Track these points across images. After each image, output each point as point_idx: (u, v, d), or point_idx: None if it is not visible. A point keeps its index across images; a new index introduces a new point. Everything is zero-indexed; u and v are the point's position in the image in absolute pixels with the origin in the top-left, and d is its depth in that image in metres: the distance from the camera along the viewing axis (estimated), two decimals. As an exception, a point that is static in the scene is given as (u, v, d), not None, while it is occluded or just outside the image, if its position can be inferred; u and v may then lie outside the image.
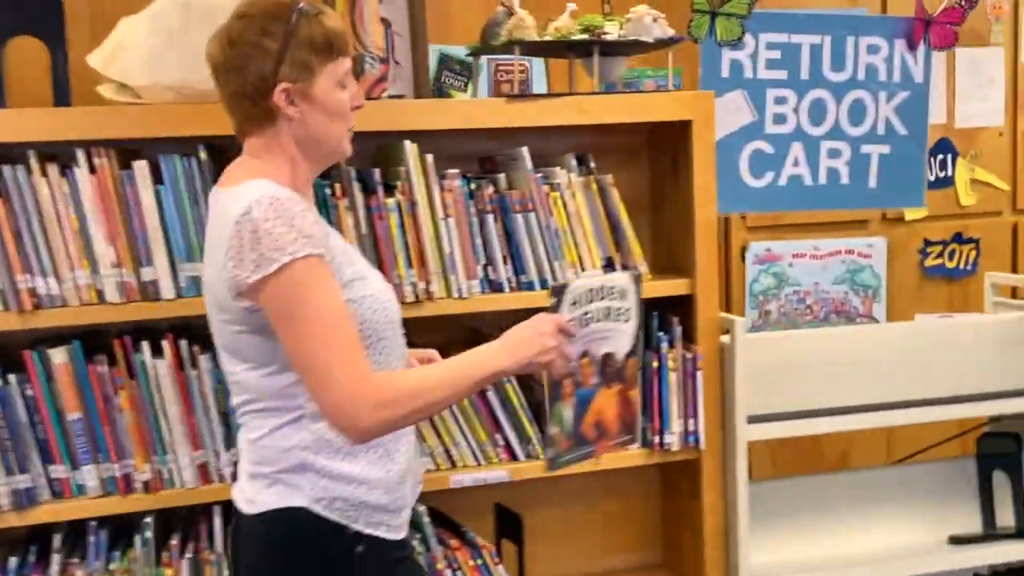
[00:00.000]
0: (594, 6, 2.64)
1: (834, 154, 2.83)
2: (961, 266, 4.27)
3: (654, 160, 2.74)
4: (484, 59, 3.10)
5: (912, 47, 2.83)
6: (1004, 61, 4.24)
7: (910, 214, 4.18)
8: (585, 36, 2.38)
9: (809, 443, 3.89)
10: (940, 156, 4.22)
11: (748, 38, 2.71)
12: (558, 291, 1.74)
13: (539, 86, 3.38)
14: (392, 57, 2.51)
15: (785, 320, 4.30)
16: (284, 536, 1.67)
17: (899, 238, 4.19)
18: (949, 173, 4.23)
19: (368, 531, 1.70)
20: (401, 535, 1.78)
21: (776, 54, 2.75)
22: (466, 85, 3.32)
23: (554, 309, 1.73)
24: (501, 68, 3.17)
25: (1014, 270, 4.35)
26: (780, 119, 2.78)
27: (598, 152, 2.60)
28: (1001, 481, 2.80)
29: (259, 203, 1.58)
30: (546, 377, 1.76)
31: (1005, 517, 2.80)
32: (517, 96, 2.35)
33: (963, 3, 2.80)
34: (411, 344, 1.93)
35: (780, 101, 2.77)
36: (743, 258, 4.11)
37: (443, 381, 1.64)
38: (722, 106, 2.71)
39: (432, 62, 3.14)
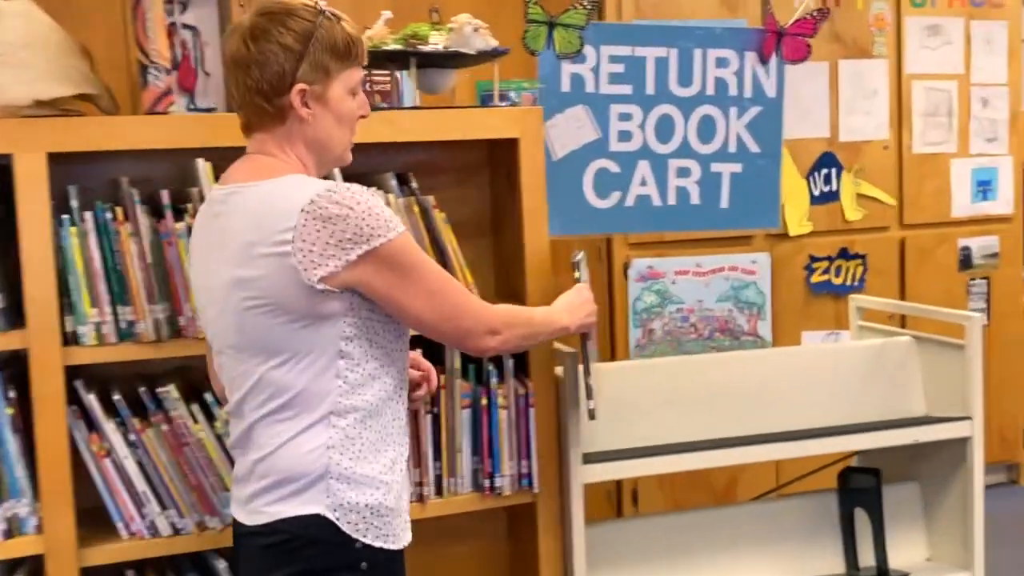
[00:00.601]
0: (422, 14, 2.47)
1: (683, 173, 2.69)
2: (848, 282, 4.18)
3: (494, 179, 2.58)
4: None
5: (764, 60, 2.70)
6: (888, 73, 4.16)
7: (795, 229, 4.08)
8: (398, 47, 2.21)
9: (696, 471, 3.75)
10: (824, 170, 4.12)
11: (589, 50, 2.56)
12: (577, 264, 2.18)
13: (410, 100, 3.20)
14: (200, 68, 2.32)
15: (669, 339, 4.16)
16: (296, 542, 1.68)
17: (784, 254, 4.09)
18: (834, 188, 4.14)
19: (378, 543, 1.72)
20: (405, 541, 1.80)
21: (619, 68, 2.61)
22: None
23: (578, 279, 2.15)
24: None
25: (902, 286, 4.27)
26: (625, 136, 2.64)
27: (437, 170, 2.44)
28: (864, 518, 2.67)
29: (335, 190, 1.63)
30: (580, 339, 2.18)
31: (868, 556, 2.67)
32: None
33: (815, 14, 2.67)
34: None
35: (625, 117, 2.63)
36: (626, 275, 3.99)
37: (536, 320, 1.93)
38: (563, 122, 2.56)
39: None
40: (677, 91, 2.65)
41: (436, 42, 2.28)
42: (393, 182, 2.31)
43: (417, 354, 2.06)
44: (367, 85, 3.23)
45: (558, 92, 2.56)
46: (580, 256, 2.21)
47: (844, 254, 4.16)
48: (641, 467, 2.43)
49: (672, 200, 2.70)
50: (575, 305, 2.03)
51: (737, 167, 2.73)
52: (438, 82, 2.36)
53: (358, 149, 1.85)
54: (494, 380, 2.34)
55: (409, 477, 1.94)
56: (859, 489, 2.61)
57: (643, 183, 2.67)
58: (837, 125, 4.11)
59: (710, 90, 2.67)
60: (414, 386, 2.03)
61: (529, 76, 3.47)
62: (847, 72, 4.10)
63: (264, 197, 1.66)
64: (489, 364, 2.36)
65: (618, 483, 3.90)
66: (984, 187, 4.33)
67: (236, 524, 1.78)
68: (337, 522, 1.68)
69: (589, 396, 2.17)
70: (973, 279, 4.33)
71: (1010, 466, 4.53)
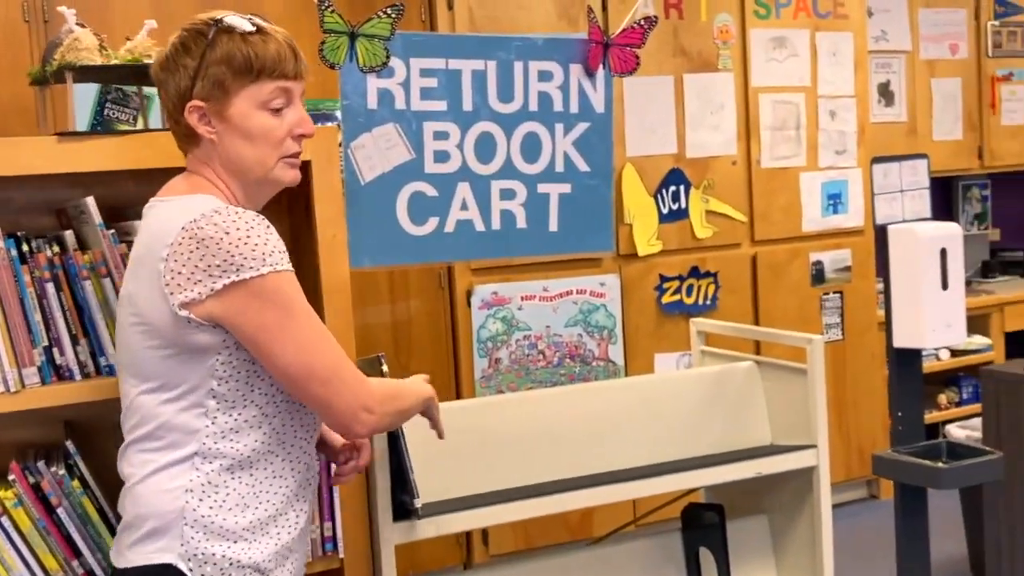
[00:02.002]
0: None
1: (508, 195, 2.49)
2: (700, 301, 4.06)
3: (293, 209, 2.32)
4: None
5: (590, 73, 2.52)
6: (734, 86, 4.07)
7: (644, 249, 3.94)
8: (142, 61, 1.94)
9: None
10: (673, 188, 4.00)
11: (397, 63, 2.33)
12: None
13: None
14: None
15: (517, 368, 3.97)
16: None
17: (634, 275, 3.94)
18: (683, 205, 4.02)
19: None
20: None
21: (432, 82, 2.38)
22: (134, 118, 2.84)
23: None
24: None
25: (755, 303, 4.17)
26: (442, 157, 2.41)
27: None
28: (710, 556, 2.51)
29: (221, 212, 1.55)
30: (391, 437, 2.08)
31: (715, 596, 2.51)
32: (68, 134, 1.89)
33: (643, 23, 2.51)
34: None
35: (441, 136, 2.41)
36: (469, 303, 3.78)
37: (404, 392, 1.79)
38: (371, 143, 2.33)
39: (93, 91, 2.67)
40: (497, 107, 2.44)
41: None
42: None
43: None
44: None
45: (364, 109, 2.32)
46: None
47: (695, 273, 4.04)
48: (461, 521, 2.20)
49: (497, 225, 2.48)
50: (419, 381, 1.87)
51: (566, 187, 2.53)
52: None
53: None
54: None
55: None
56: (703, 527, 2.44)
57: (464, 207, 2.45)
58: (684, 141, 3.99)
59: (533, 105, 2.47)
60: (342, 458, 1.89)
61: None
62: (693, 86, 3.99)
63: (164, 214, 1.61)
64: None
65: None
66: (834, 200, 4.27)
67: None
68: (190, 573, 1.56)
69: (414, 495, 2.03)
70: (827, 293, 4.27)
71: (870, 481, 4.48)
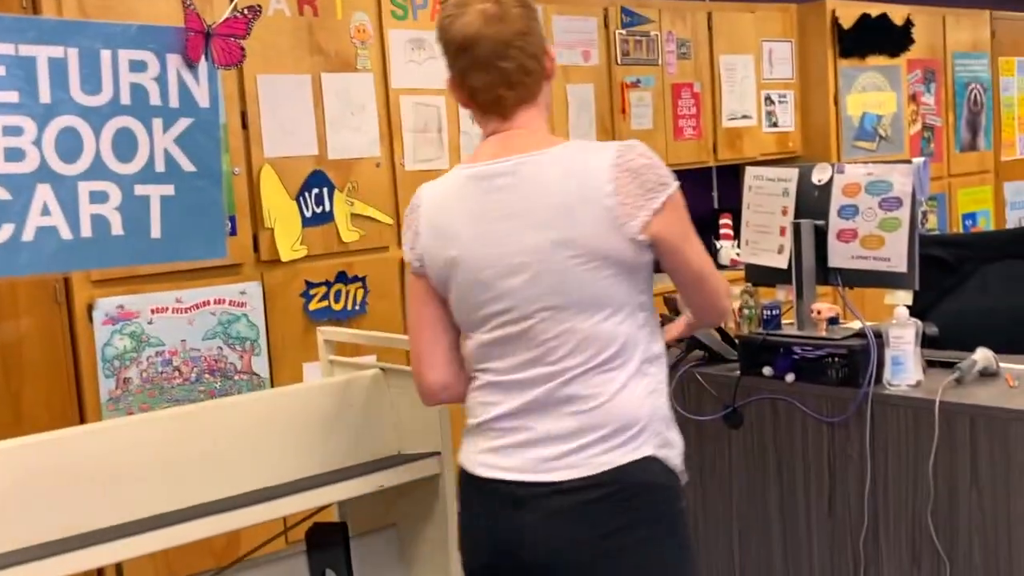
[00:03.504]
0: None
1: (100, 198, 2.25)
2: (349, 307, 3.95)
3: None
4: None
5: (191, 65, 2.33)
6: (375, 87, 4.00)
7: (287, 255, 3.77)
8: None
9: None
10: (316, 190, 3.86)
11: (-47, 48, 2.03)
12: None
13: None
14: None
15: (150, 387, 3.67)
16: (633, 488, 1.73)
17: (277, 282, 3.77)
18: (327, 208, 3.89)
19: (684, 480, 1.83)
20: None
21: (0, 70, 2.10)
22: None
23: None
24: None
25: (404, 307, 4.12)
26: (16, 155, 2.14)
27: None
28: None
29: (630, 146, 1.75)
30: None
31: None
32: None
33: (246, 12, 2.35)
34: None
35: (14, 131, 2.13)
36: (90, 318, 3.44)
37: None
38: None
39: None
40: (82, 99, 2.20)
41: None
42: None
43: None
44: None
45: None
46: None
47: (343, 278, 3.93)
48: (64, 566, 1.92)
49: (87, 232, 2.24)
50: None
51: (168, 189, 2.33)
52: None
53: None
54: None
55: None
56: (326, 547, 2.32)
57: (45, 212, 2.18)
58: (325, 142, 3.86)
59: (125, 99, 2.25)
60: None
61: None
62: (332, 86, 3.87)
63: (566, 161, 1.74)
64: None
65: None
66: (479, 203, 4.32)
67: (520, 486, 1.74)
68: (666, 461, 1.78)
69: None
70: (475, 295, 4.30)
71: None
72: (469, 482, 1.81)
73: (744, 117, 5.50)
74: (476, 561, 1.82)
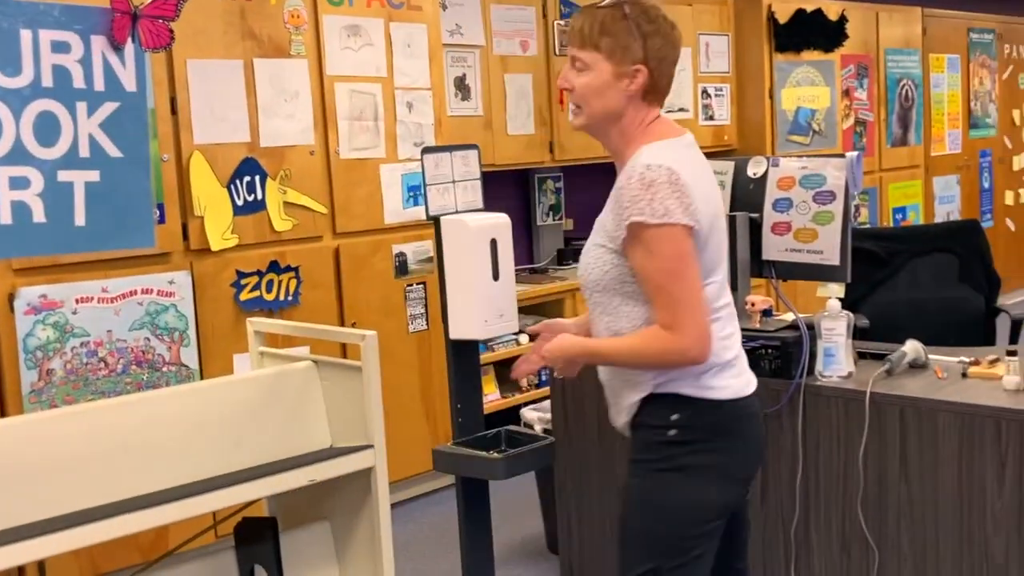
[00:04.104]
0: None
1: (20, 184, 2.17)
2: (281, 297, 3.88)
3: None
4: None
5: (117, 47, 2.26)
6: (309, 74, 3.93)
7: (217, 243, 3.69)
8: None
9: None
10: (247, 178, 3.79)
11: None
12: None
13: None
14: None
15: (74, 379, 3.56)
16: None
17: (207, 271, 3.69)
18: (260, 196, 3.82)
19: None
20: None
21: (-88, 49, 2.02)
22: None
23: None
24: None
25: (339, 297, 4.07)
26: (-71, 138, 2.06)
27: None
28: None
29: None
30: None
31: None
32: None
33: (175, -5, 2.29)
34: None
35: (-74, 113, 2.04)
36: (11, 307, 3.33)
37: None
38: None
39: None
40: (1, 81, 2.12)
41: None
42: None
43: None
44: None
45: None
46: None
47: (275, 267, 3.86)
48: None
49: (7, 219, 2.16)
50: None
51: (93, 175, 2.26)
52: None
53: None
54: None
55: None
56: (255, 542, 2.27)
57: (-39, 198, 2.10)
58: (258, 129, 3.79)
59: (47, 81, 2.18)
60: None
61: None
62: (265, 72, 3.79)
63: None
64: None
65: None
66: (415, 192, 4.27)
67: None
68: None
69: None
70: (410, 285, 4.27)
71: (460, 468, 4.54)
72: (746, 404, 1.98)
73: (681, 110, 5.53)
74: (753, 468, 2.01)
